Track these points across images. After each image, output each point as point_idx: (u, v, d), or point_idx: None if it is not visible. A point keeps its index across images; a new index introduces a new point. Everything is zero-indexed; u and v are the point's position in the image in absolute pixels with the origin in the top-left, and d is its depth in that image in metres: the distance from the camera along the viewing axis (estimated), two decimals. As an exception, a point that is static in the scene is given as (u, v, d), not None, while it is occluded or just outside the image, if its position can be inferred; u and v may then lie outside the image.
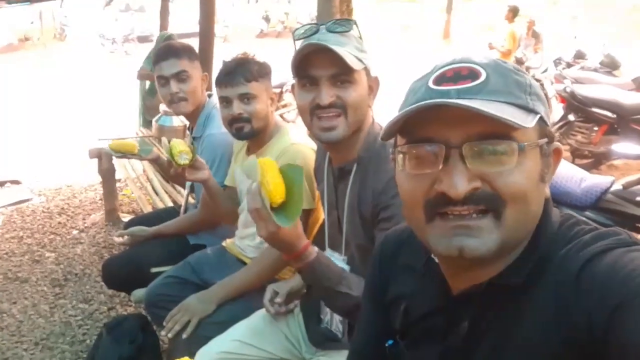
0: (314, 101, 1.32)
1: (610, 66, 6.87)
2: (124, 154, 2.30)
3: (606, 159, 5.18)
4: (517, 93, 0.71)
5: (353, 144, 1.39)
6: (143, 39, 20.74)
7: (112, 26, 20.74)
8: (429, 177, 0.72)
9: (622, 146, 2.93)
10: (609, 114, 5.03)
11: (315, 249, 1.22)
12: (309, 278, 1.25)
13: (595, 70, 6.68)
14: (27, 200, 4.86)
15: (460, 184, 0.69)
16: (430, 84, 0.73)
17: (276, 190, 1.09)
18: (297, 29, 1.37)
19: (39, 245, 3.87)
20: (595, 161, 5.18)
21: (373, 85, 1.39)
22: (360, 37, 1.38)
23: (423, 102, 0.70)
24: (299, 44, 1.34)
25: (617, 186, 2.64)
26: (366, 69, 1.35)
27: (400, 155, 0.76)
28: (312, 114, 1.34)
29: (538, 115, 0.71)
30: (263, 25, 23.88)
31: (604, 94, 5.13)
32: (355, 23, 1.36)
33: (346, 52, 1.27)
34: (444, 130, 0.71)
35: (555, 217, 0.77)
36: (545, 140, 0.74)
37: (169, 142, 1.87)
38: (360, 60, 1.31)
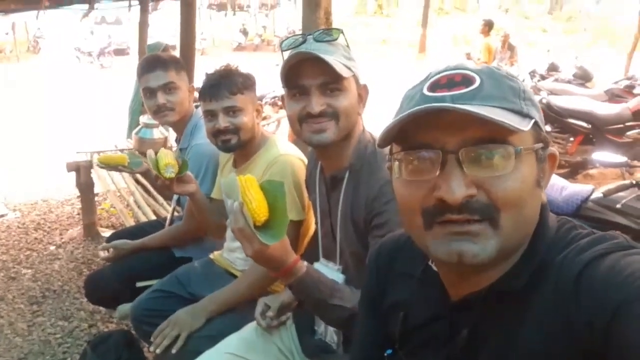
0: (304, 110, 1.32)
1: (583, 78, 7.05)
2: (114, 166, 2.26)
3: (582, 169, 5.28)
4: (512, 98, 0.72)
5: (344, 151, 1.39)
6: (119, 52, 20.62)
7: (88, 39, 20.57)
8: (426, 184, 0.72)
9: (599, 155, 3.02)
10: (584, 124, 5.15)
11: (305, 263, 1.20)
12: (300, 293, 1.23)
13: (569, 82, 6.84)
14: (2, 215, 4.73)
15: (457, 189, 0.69)
16: (425, 91, 0.73)
17: (260, 208, 1.08)
18: (284, 40, 1.38)
19: (15, 262, 3.76)
20: (572, 171, 5.28)
21: (362, 93, 1.40)
22: (348, 46, 1.39)
23: (418, 108, 0.70)
24: (286, 55, 1.34)
25: (598, 194, 2.69)
26: (355, 77, 1.36)
27: (397, 163, 0.76)
28: (302, 122, 1.34)
29: (533, 120, 0.71)
30: (241, 39, 23.98)
31: (579, 105, 5.26)
32: (342, 32, 1.37)
33: (335, 60, 1.27)
34: (440, 136, 0.71)
35: (552, 221, 0.78)
36: (541, 145, 0.74)
37: (156, 154, 1.83)
38: (349, 68, 1.32)
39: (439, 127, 0.71)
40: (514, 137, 0.70)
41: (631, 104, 5.21)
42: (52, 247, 4.01)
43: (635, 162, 2.96)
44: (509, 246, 0.72)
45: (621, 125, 5.07)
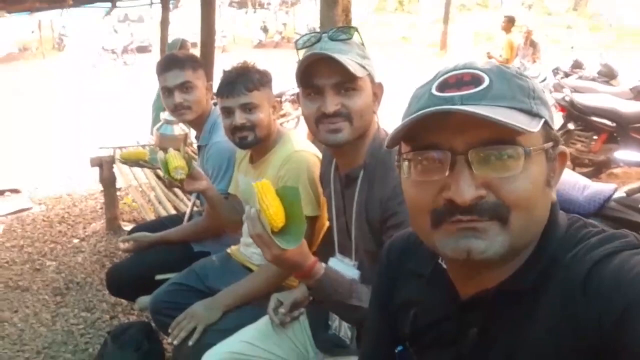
0: (319, 110, 1.33)
1: (607, 75, 6.89)
2: (135, 161, 2.30)
3: (606, 167, 5.19)
4: (521, 98, 0.71)
5: (359, 149, 1.39)
6: (142, 49, 20.86)
7: (111, 37, 20.86)
8: (435, 184, 0.72)
9: (624, 153, 2.95)
10: (608, 122, 5.05)
11: (323, 265, 1.22)
12: (319, 294, 1.25)
13: (593, 79, 6.70)
14: (27, 209, 4.84)
15: (467, 190, 0.69)
16: (434, 91, 0.73)
17: (277, 214, 1.10)
18: (299, 38, 1.38)
19: (40, 254, 3.85)
20: (596, 169, 5.19)
21: (377, 92, 1.40)
22: (363, 44, 1.39)
23: (427, 110, 0.69)
24: (301, 53, 1.35)
25: (621, 193, 2.64)
26: (370, 76, 1.36)
27: (406, 163, 0.76)
28: (317, 122, 1.35)
29: (543, 120, 0.71)
30: (261, 36, 24.02)
31: (603, 103, 5.16)
32: (357, 30, 1.37)
33: (349, 59, 1.28)
34: (449, 136, 0.71)
35: (562, 220, 0.77)
36: (551, 144, 0.74)
37: (165, 153, 1.86)
38: (364, 67, 1.32)
39: (448, 127, 0.71)
40: (523, 137, 0.69)
41: (657, 102, 5.10)
42: (76, 240, 4.10)
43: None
44: (518, 245, 0.72)
45: (646, 124, 4.97)
